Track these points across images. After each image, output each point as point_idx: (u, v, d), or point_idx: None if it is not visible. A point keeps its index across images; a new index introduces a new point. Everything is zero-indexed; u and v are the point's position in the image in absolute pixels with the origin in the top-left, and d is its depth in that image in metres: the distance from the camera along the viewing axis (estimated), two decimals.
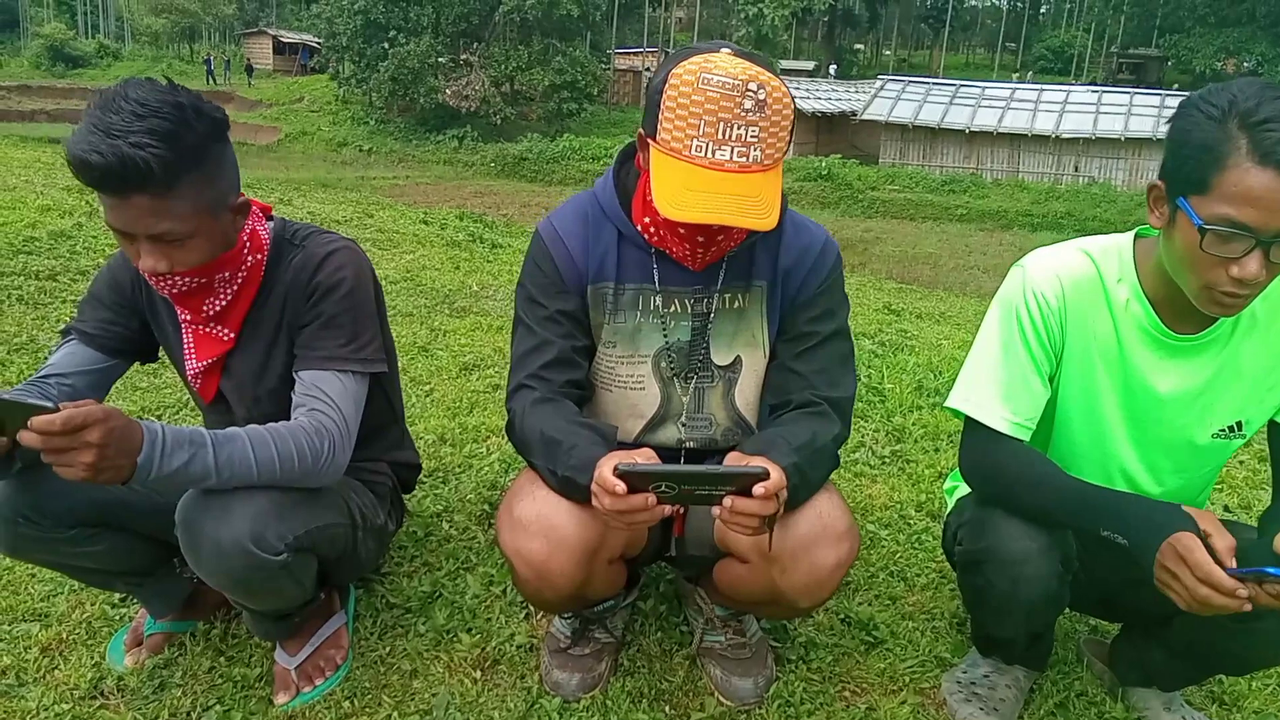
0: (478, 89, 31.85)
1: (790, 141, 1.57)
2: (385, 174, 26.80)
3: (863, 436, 3.34)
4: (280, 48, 52.70)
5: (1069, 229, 23.09)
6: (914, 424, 3.48)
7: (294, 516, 1.66)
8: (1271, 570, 1.36)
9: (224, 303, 1.78)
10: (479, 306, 5.21)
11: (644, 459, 1.47)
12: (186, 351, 1.85)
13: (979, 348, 1.77)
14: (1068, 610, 2.25)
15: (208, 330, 1.82)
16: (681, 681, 2.00)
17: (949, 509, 2.05)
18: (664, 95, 1.50)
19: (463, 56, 32.67)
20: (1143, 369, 1.70)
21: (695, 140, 1.48)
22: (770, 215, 1.50)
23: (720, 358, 1.82)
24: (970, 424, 1.75)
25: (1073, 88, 32.64)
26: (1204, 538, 1.44)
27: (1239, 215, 1.40)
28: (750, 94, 1.47)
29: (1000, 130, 28.48)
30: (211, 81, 45.86)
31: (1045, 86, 32.78)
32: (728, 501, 1.42)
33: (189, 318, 1.80)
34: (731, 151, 1.48)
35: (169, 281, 1.66)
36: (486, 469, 2.81)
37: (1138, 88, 34.48)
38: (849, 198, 26.02)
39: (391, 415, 2.11)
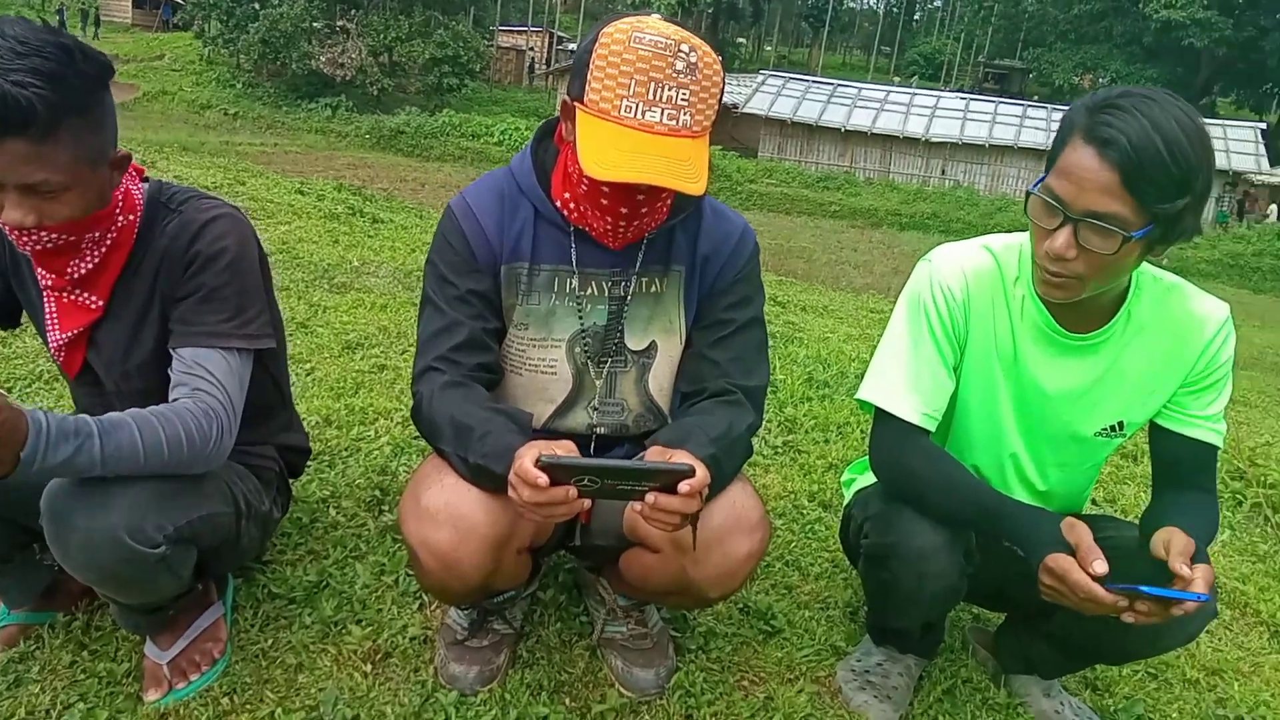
0: (354, 57, 30.70)
1: (717, 116, 1.54)
2: (252, 140, 25.57)
3: None
4: (140, 1, 49.62)
5: (934, 230, 24.06)
6: (805, 415, 3.53)
7: (174, 506, 1.54)
8: (1144, 589, 1.44)
9: (90, 265, 1.63)
10: (360, 283, 5.01)
11: (564, 450, 1.42)
12: (49, 321, 1.69)
13: (888, 340, 1.79)
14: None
15: (73, 297, 1.66)
16: (582, 673, 1.96)
17: (847, 501, 2.08)
18: (594, 55, 1.47)
19: (339, 23, 31.42)
20: (1034, 365, 1.75)
21: (625, 100, 1.44)
22: (700, 181, 1.47)
23: (635, 342, 1.78)
24: (880, 415, 1.77)
25: (942, 94, 33.95)
26: (1073, 552, 1.51)
27: (1057, 187, 1.48)
28: (682, 55, 1.44)
29: (874, 131, 29.42)
30: None
31: (917, 91, 34.00)
32: (650, 499, 1.38)
33: (51, 282, 1.65)
34: (661, 113, 1.45)
35: (33, 237, 1.51)
36: (376, 453, 2.70)
37: (1002, 97, 36.15)
38: (728, 189, 26.37)
39: (279, 396, 1.99)
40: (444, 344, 1.66)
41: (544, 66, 43.45)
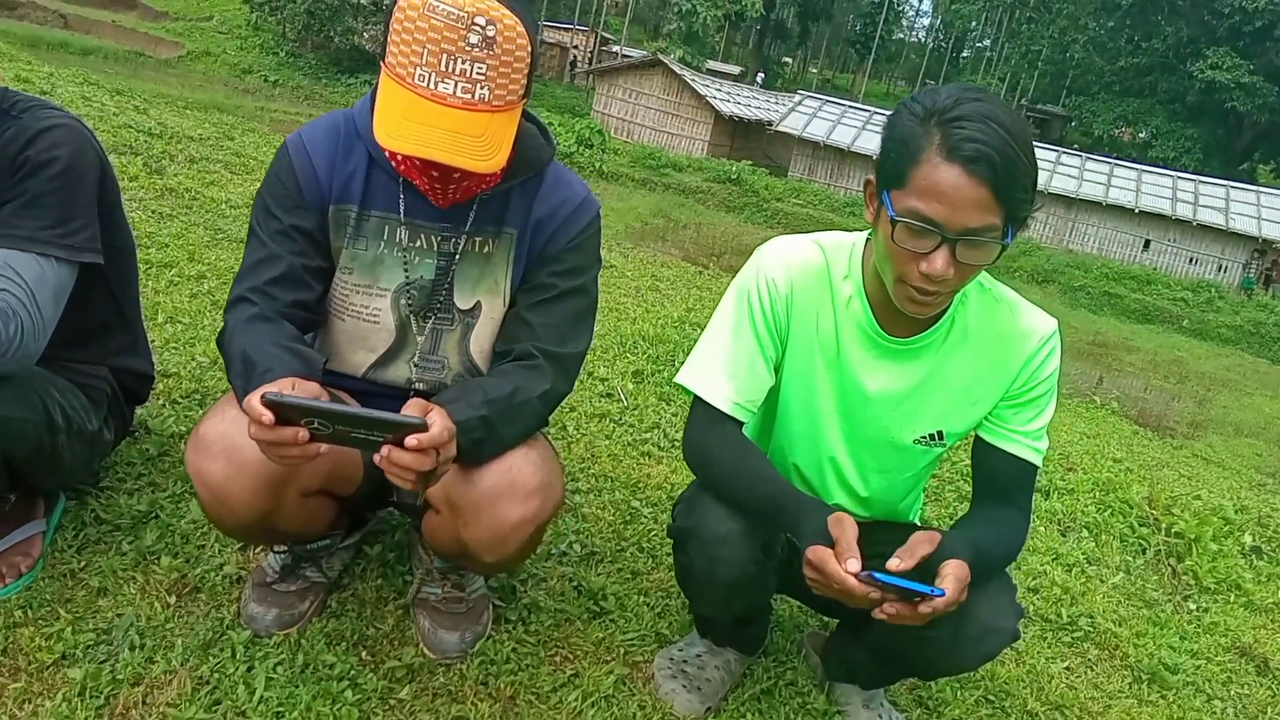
0: None
1: (529, 86, 1.53)
2: (288, 109, 25.79)
3: (659, 418, 3.34)
4: None
5: None
6: None
7: None
8: (878, 576, 1.43)
9: None
10: None
11: (306, 393, 1.40)
12: None
13: (712, 328, 1.77)
14: (798, 603, 2.30)
15: None
16: (390, 630, 1.95)
17: None
18: (392, 17, 1.46)
19: (385, 1, 31.71)
20: (856, 366, 1.73)
21: (418, 69, 1.44)
22: (492, 158, 1.46)
23: (462, 301, 1.77)
24: (696, 400, 1.75)
25: None
26: (833, 544, 1.48)
27: (926, 210, 1.43)
28: (477, 29, 1.43)
29: None
30: None
31: None
32: (385, 450, 1.37)
33: None
34: (455, 86, 1.44)
35: None
36: None
37: (1040, 143, 35.92)
38: (754, 205, 26.35)
39: (120, 318, 1.98)
40: (260, 276, 1.65)
41: (585, 65, 43.58)
